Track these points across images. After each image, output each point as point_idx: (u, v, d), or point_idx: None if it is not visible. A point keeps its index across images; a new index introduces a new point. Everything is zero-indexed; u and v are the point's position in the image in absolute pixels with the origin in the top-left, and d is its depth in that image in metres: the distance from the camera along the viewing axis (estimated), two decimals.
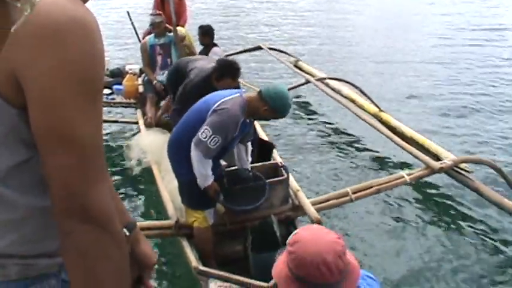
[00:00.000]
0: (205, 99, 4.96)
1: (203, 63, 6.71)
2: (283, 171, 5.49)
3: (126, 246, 1.48)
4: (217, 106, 4.70)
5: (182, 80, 6.57)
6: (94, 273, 1.34)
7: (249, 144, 5.48)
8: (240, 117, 4.69)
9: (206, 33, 9.14)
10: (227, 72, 6.04)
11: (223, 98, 4.77)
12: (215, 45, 9.12)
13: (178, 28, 8.78)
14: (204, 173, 4.74)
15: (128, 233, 1.80)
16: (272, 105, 4.71)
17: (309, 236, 2.38)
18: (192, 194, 5.03)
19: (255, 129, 6.21)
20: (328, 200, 5.69)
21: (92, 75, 1.28)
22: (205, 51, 8.95)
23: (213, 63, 6.42)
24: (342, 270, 2.27)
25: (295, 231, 2.41)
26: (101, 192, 1.33)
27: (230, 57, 8.17)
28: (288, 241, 2.39)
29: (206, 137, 4.58)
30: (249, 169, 5.48)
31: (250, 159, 5.54)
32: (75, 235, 1.31)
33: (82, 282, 1.35)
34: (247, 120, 4.89)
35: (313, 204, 5.43)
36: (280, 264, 2.40)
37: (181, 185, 5.15)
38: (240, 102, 4.75)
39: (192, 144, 4.68)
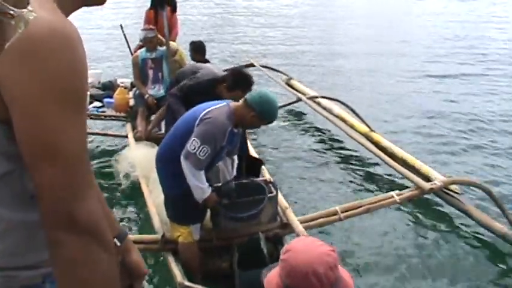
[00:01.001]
0: (193, 110, 4.93)
1: (211, 67, 6.74)
2: (272, 188, 5.43)
3: (116, 255, 1.50)
4: (204, 115, 4.68)
5: None
6: (84, 282, 1.34)
7: (235, 157, 5.45)
8: (227, 125, 4.67)
9: (198, 50, 9.13)
10: (242, 84, 6.00)
11: (210, 107, 4.75)
12: (207, 61, 9.10)
13: (171, 43, 8.77)
14: (199, 185, 4.69)
15: (118, 243, 1.81)
16: (259, 110, 4.69)
17: (301, 246, 2.37)
18: (178, 208, 5.00)
19: (246, 143, 6.18)
20: (317, 219, 5.65)
21: (74, 85, 1.29)
22: None
23: (218, 70, 6.43)
24: (333, 284, 2.26)
25: (290, 242, 2.40)
26: (88, 201, 1.32)
27: None
28: (282, 250, 2.37)
29: (195, 149, 4.55)
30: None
31: (234, 172, 5.51)
32: (64, 245, 1.30)
33: None
34: (235, 130, 4.85)
35: (302, 222, 5.39)
36: (273, 273, 2.37)
37: (167, 198, 5.11)
38: (226, 111, 4.73)
39: (182, 157, 4.64)
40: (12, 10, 1.18)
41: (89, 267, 1.33)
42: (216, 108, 4.74)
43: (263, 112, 4.71)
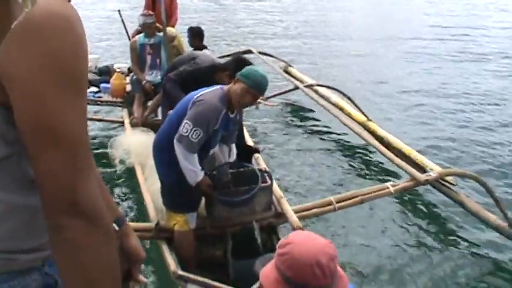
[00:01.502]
0: (188, 96, 4.92)
1: (208, 54, 6.74)
2: (267, 178, 5.42)
3: (115, 239, 1.48)
4: (196, 98, 4.68)
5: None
6: (85, 267, 1.34)
7: (233, 146, 5.44)
8: (220, 108, 4.65)
9: (196, 35, 9.09)
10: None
11: (201, 92, 4.75)
12: (205, 47, 9.06)
13: (169, 28, 8.73)
14: (192, 168, 4.68)
15: (117, 228, 1.83)
16: (248, 81, 4.70)
17: (301, 238, 2.37)
18: (174, 196, 5.00)
19: (242, 131, 6.15)
20: (311, 209, 5.64)
21: (75, 67, 1.28)
22: None
23: (215, 58, 6.42)
24: (334, 274, 2.28)
25: (285, 237, 2.39)
26: (89, 186, 1.33)
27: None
28: (278, 245, 2.36)
29: (187, 131, 4.55)
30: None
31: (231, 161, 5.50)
32: (65, 230, 1.30)
33: (73, 277, 1.35)
34: (231, 116, 4.85)
35: (296, 212, 5.37)
36: (269, 267, 2.37)
37: (163, 186, 5.10)
38: (219, 93, 4.74)
39: (175, 141, 4.64)
40: None
41: (90, 251, 1.34)
42: (209, 92, 4.74)
43: (252, 81, 4.69)
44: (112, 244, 1.42)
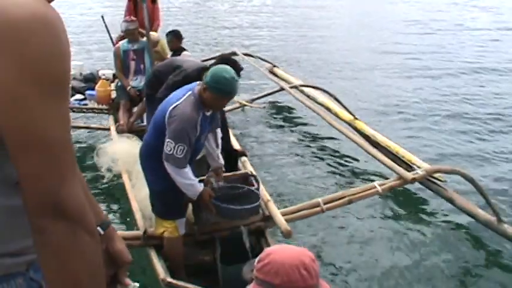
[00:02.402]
0: (164, 104, 4.85)
1: (192, 59, 6.70)
2: (254, 181, 5.40)
3: (100, 242, 1.48)
4: (170, 112, 4.61)
5: (164, 80, 6.47)
6: (69, 269, 1.34)
7: (218, 130, 5.39)
8: (195, 117, 4.58)
9: (175, 38, 9.14)
10: None
11: (175, 103, 4.65)
12: (184, 49, 9.08)
13: (152, 34, 8.70)
14: (187, 182, 4.66)
15: (102, 232, 1.82)
16: (210, 85, 4.56)
17: (278, 248, 2.39)
18: (161, 203, 4.98)
19: (228, 137, 6.11)
20: (299, 211, 5.60)
21: (56, 72, 1.27)
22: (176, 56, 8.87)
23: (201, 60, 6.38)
24: (318, 275, 2.30)
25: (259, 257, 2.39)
26: (72, 188, 1.32)
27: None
28: (256, 261, 2.35)
29: (171, 150, 4.51)
30: (220, 158, 5.42)
31: (220, 148, 5.45)
32: (49, 232, 1.29)
33: (58, 279, 1.34)
34: (207, 114, 4.77)
35: (284, 214, 5.34)
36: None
37: (152, 193, 5.07)
38: (191, 101, 4.64)
39: (164, 161, 4.61)
40: None
41: (75, 254, 1.33)
42: (181, 103, 4.63)
43: (220, 89, 4.56)
44: (97, 247, 1.42)
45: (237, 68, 5.89)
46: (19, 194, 1.32)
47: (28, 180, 1.28)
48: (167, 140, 4.55)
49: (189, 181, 4.66)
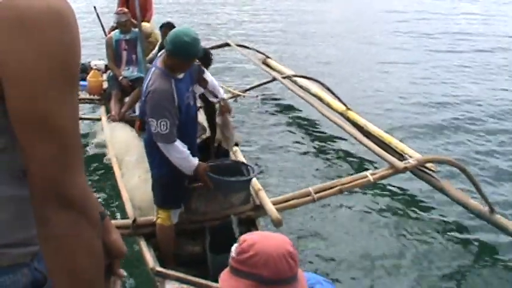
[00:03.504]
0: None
1: None
2: (245, 170, 5.37)
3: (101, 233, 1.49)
4: (145, 93, 4.61)
5: None
6: (73, 259, 1.34)
7: (207, 75, 5.32)
8: (167, 87, 4.53)
9: (170, 30, 9.03)
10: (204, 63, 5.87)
11: (145, 85, 4.65)
12: None
13: (144, 24, 8.65)
14: (179, 156, 4.64)
15: None
16: (170, 49, 4.51)
17: (259, 237, 2.33)
18: (160, 191, 4.98)
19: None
20: (290, 200, 5.58)
21: (70, 62, 1.29)
22: None
23: None
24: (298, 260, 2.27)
25: (238, 242, 2.32)
26: (79, 179, 1.33)
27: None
28: (236, 253, 2.28)
29: (155, 128, 4.50)
30: (224, 98, 5.43)
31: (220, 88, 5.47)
32: (54, 222, 1.30)
33: (60, 269, 1.35)
34: (180, 77, 4.71)
35: (275, 204, 5.33)
36: (231, 283, 2.29)
37: (154, 182, 5.05)
38: (158, 74, 4.60)
39: (156, 141, 4.61)
40: None
41: (78, 245, 1.33)
42: (151, 79, 4.59)
43: (178, 51, 4.50)
44: (99, 239, 1.43)
45: (209, 59, 5.90)
46: (25, 184, 1.33)
47: (36, 167, 1.28)
48: (149, 119, 4.55)
49: (181, 155, 4.63)
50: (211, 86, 5.31)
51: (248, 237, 2.34)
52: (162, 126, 4.46)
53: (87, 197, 1.36)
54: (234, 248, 2.29)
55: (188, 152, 4.67)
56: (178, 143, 4.60)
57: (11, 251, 1.42)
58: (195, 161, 4.71)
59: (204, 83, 5.20)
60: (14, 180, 1.38)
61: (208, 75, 5.32)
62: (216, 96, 5.36)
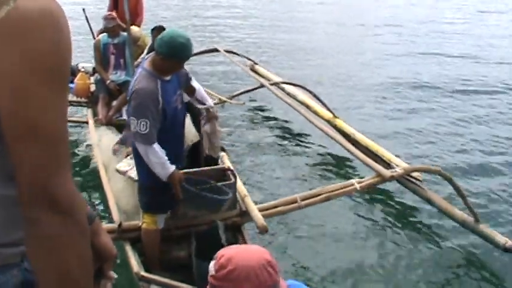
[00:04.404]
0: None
1: None
2: (231, 176, 5.36)
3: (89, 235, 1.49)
4: (129, 96, 4.59)
5: None
6: (60, 260, 1.35)
7: (195, 83, 5.33)
8: (152, 88, 4.50)
9: (160, 33, 9.02)
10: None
11: (132, 83, 4.64)
12: None
13: (133, 28, 8.64)
14: (157, 161, 4.57)
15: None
16: (160, 51, 4.50)
17: (234, 251, 2.33)
18: (145, 196, 4.96)
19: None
20: (276, 207, 5.60)
21: (59, 64, 1.29)
22: None
23: None
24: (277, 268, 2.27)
25: (215, 259, 2.30)
26: (66, 180, 1.34)
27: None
28: (214, 271, 2.26)
29: (135, 127, 4.46)
30: (212, 106, 5.45)
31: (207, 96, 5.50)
32: (41, 222, 1.30)
33: (48, 270, 1.35)
34: (167, 79, 4.68)
35: (261, 210, 5.33)
36: None
37: (140, 186, 5.04)
38: (144, 75, 4.58)
39: (134, 141, 4.61)
40: None
41: (65, 246, 1.34)
42: (137, 80, 4.58)
43: (174, 53, 4.50)
44: (87, 240, 1.43)
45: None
46: (15, 184, 1.33)
47: (24, 169, 1.29)
48: (130, 118, 4.53)
49: (158, 160, 4.57)
50: (199, 95, 5.33)
51: (225, 252, 2.33)
52: (141, 126, 4.42)
53: (74, 199, 1.36)
54: (212, 264, 2.28)
55: (165, 158, 4.61)
56: (156, 147, 4.55)
57: (1, 251, 1.42)
58: (171, 168, 4.64)
59: (191, 90, 5.20)
60: (5, 181, 1.36)
61: (195, 83, 5.32)
62: (204, 104, 5.36)
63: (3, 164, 1.35)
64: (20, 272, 1.45)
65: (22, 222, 1.34)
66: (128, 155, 5.90)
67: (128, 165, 5.70)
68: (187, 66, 5.17)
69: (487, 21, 22.88)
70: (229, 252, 2.30)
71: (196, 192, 4.87)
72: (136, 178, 5.23)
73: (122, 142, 6.33)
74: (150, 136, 4.48)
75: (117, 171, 5.75)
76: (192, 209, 5.14)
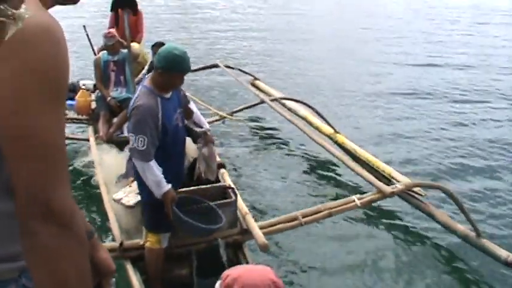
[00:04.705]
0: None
1: None
2: (232, 194, 5.36)
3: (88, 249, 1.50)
4: (129, 113, 4.61)
5: None
6: (59, 273, 1.35)
7: (193, 106, 5.37)
8: (152, 104, 4.51)
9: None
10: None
11: (132, 100, 4.65)
12: None
13: (134, 45, 8.67)
14: (153, 178, 4.56)
15: None
16: (160, 66, 4.52)
17: (241, 270, 2.36)
18: (148, 215, 4.96)
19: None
20: (277, 224, 5.59)
21: (57, 78, 1.32)
22: None
23: None
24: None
25: (221, 279, 2.34)
26: (64, 193, 1.35)
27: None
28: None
29: (133, 143, 4.48)
30: (209, 129, 5.46)
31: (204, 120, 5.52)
32: (39, 236, 1.31)
33: (47, 283, 1.35)
34: (167, 96, 4.70)
35: (262, 228, 5.32)
36: None
37: (143, 205, 5.05)
38: (144, 92, 4.60)
39: (132, 157, 4.62)
40: (14, 11, 1.17)
41: (63, 259, 1.34)
42: (138, 97, 4.59)
43: (172, 67, 4.52)
44: (86, 253, 1.44)
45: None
46: (12, 199, 1.33)
47: (23, 183, 1.29)
48: (129, 134, 4.55)
49: (154, 177, 4.55)
50: (196, 118, 5.36)
51: (230, 272, 2.36)
52: (139, 142, 4.43)
53: (73, 212, 1.37)
54: (217, 285, 2.31)
55: (161, 176, 4.59)
56: (153, 164, 4.54)
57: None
58: (166, 187, 4.61)
59: (189, 113, 5.21)
60: (3, 195, 1.37)
61: (193, 106, 5.35)
62: (201, 127, 5.38)
63: (2, 179, 1.35)
64: (17, 287, 1.46)
65: (20, 235, 1.34)
66: (127, 185, 5.91)
67: (123, 192, 5.70)
68: (187, 81, 5.17)
69: (487, 32, 22.89)
70: (235, 272, 2.33)
71: (184, 220, 4.71)
72: (129, 204, 5.26)
73: (124, 176, 6.31)
74: (147, 153, 4.49)
75: (114, 200, 5.75)
76: (183, 233, 5.10)
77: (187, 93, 5.39)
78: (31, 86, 1.26)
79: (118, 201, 5.67)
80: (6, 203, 1.37)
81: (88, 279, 1.47)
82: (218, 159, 6.74)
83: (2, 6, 1.06)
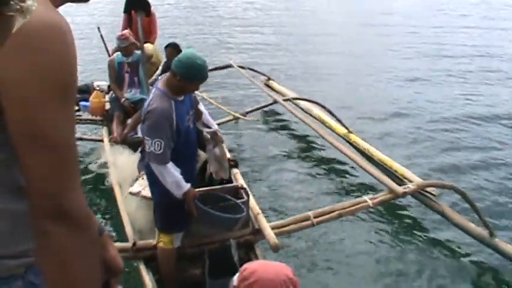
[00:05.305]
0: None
1: None
2: (244, 194, 5.38)
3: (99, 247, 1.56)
4: (143, 115, 4.62)
5: None
6: (70, 272, 1.37)
7: (201, 107, 5.38)
8: (166, 107, 4.53)
9: (174, 50, 9.06)
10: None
11: (147, 103, 4.67)
12: None
13: (146, 45, 8.70)
14: (172, 180, 4.59)
15: None
16: (180, 73, 4.53)
17: (258, 264, 2.41)
18: (161, 216, 4.97)
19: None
20: (289, 224, 5.59)
21: (66, 77, 1.32)
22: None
23: None
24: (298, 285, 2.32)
25: (239, 272, 2.38)
26: (77, 193, 1.37)
27: None
28: (237, 280, 2.34)
29: (149, 147, 4.49)
30: (219, 130, 5.50)
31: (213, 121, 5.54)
32: (52, 235, 1.33)
33: (58, 282, 1.37)
34: (180, 99, 4.72)
35: (274, 228, 5.33)
36: None
37: (156, 205, 5.06)
38: (158, 95, 4.60)
39: (149, 162, 4.61)
40: (21, 4, 1.17)
41: (75, 258, 1.36)
42: (152, 100, 4.60)
43: (193, 75, 4.55)
44: (96, 250, 1.48)
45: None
46: (22, 198, 1.35)
47: (35, 182, 1.31)
48: (145, 138, 4.56)
49: (173, 178, 4.59)
50: (205, 119, 5.37)
51: (249, 266, 2.41)
52: (156, 146, 4.45)
53: (84, 211, 1.39)
54: (235, 277, 2.36)
55: (180, 176, 4.63)
56: (171, 166, 4.57)
57: (5, 262, 1.42)
58: (186, 186, 4.66)
59: (198, 114, 5.24)
60: (12, 193, 1.38)
61: (202, 107, 5.38)
62: (210, 128, 5.40)
63: (11, 178, 1.37)
64: (24, 283, 1.46)
65: (28, 235, 1.37)
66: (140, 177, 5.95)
67: (140, 185, 5.74)
68: None
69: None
70: (253, 266, 2.37)
71: (209, 211, 4.86)
72: (150, 196, 5.28)
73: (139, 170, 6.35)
74: (164, 156, 4.51)
75: (131, 193, 5.78)
76: (205, 227, 5.13)
77: (199, 94, 5.42)
78: (42, 82, 1.27)
79: (137, 194, 5.70)
80: (14, 202, 1.38)
81: (98, 280, 1.49)
82: (230, 157, 6.80)
83: (11, 2, 1.06)
